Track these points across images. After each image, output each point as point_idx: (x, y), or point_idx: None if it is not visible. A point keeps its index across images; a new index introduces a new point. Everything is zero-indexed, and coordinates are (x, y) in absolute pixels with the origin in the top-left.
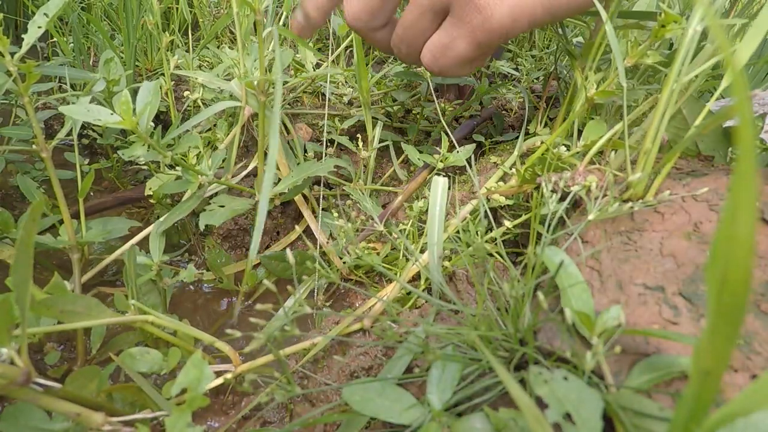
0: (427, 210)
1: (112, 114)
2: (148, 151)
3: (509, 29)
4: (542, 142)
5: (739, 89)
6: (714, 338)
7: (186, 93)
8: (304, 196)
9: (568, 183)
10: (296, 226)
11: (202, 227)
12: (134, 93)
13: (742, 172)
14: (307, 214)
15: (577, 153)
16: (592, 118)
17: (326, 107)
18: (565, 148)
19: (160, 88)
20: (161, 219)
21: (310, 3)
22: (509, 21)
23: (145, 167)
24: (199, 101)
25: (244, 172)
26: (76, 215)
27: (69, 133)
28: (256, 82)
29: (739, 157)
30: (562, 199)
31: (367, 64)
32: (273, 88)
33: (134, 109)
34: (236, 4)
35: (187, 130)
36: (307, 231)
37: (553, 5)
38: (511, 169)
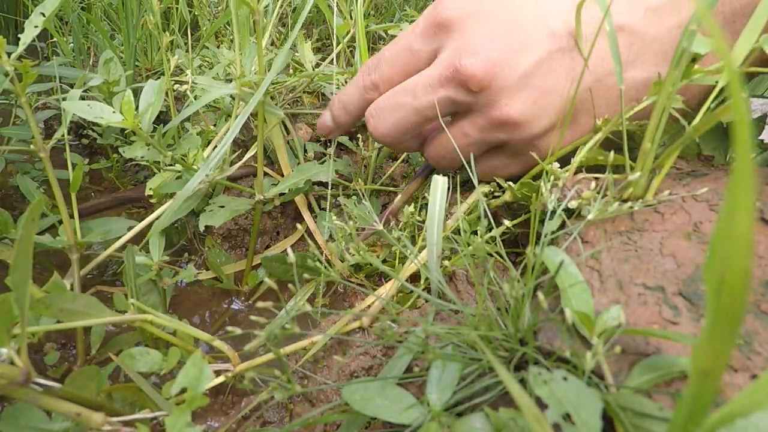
0: (420, 212)
1: (114, 113)
2: (149, 150)
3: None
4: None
5: (734, 89)
6: (713, 338)
7: (184, 87)
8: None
9: (559, 196)
10: (298, 225)
11: (202, 228)
12: (134, 93)
13: (739, 171)
14: (306, 215)
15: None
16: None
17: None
18: (558, 165)
19: (165, 90)
20: (161, 217)
21: (336, 106)
22: (566, 148)
23: (145, 163)
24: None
25: (238, 164)
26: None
27: (68, 133)
28: (253, 83)
29: (736, 157)
30: (555, 212)
31: None
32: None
33: (137, 107)
34: (234, 4)
35: (188, 131)
36: (308, 231)
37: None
38: (506, 183)
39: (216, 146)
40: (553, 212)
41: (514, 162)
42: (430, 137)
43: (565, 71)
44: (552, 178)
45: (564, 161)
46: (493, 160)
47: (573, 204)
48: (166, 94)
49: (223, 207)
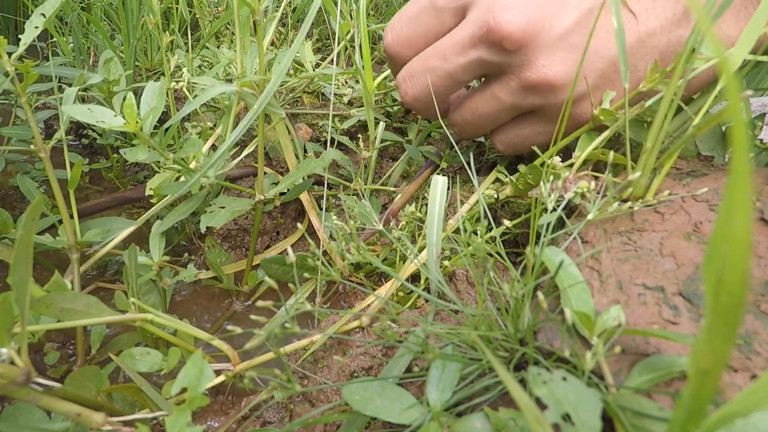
0: (420, 210)
1: (115, 116)
2: (150, 153)
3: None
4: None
5: (732, 92)
6: (711, 338)
7: (180, 85)
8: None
9: (560, 192)
10: (298, 225)
11: (203, 229)
12: (134, 93)
13: (736, 171)
14: (312, 213)
15: (571, 164)
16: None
17: (330, 107)
18: (559, 159)
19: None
20: (161, 219)
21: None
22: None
23: (145, 163)
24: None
25: (236, 160)
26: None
27: (68, 133)
28: (254, 82)
29: (734, 158)
30: (554, 210)
31: None
32: None
33: (138, 107)
34: (236, 5)
35: (187, 130)
36: (309, 230)
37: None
38: (506, 177)
39: (214, 144)
40: (554, 209)
41: (546, 130)
42: (456, 102)
43: (606, 31)
44: (552, 177)
45: (566, 152)
46: (524, 128)
47: (571, 194)
48: (167, 94)
49: (223, 208)
